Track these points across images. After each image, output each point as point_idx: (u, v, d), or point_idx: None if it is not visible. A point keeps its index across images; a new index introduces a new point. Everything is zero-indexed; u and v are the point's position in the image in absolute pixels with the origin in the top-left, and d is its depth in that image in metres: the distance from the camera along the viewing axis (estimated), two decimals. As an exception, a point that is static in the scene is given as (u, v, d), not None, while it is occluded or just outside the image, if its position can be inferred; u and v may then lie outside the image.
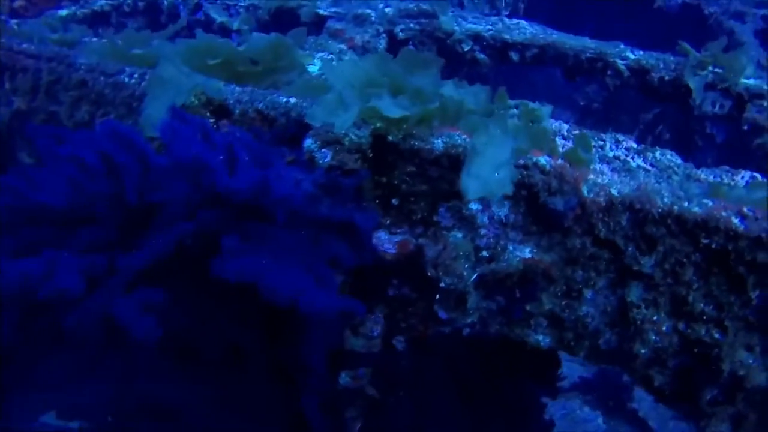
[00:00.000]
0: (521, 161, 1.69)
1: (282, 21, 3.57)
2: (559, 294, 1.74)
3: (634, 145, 2.09)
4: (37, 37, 2.70)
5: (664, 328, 1.68)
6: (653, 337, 1.69)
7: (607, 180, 1.69)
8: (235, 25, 3.53)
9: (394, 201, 1.81)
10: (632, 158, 2.02)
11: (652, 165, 1.99)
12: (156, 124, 1.81)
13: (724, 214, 1.58)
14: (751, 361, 1.63)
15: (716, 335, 1.64)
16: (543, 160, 1.70)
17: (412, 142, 1.74)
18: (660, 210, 1.62)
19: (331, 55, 2.82)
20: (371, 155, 1.76)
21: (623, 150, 2.06)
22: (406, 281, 1.84)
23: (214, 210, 1.49)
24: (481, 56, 3.36)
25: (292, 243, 1.52)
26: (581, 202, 1.66)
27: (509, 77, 3.98)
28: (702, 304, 1.64)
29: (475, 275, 1.74)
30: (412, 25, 3.41)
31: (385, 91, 1.76)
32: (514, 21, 3.55)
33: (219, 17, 3.64)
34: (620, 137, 2.12)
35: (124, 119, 2.18)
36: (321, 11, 3.47)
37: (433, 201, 1.79)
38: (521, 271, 1.72)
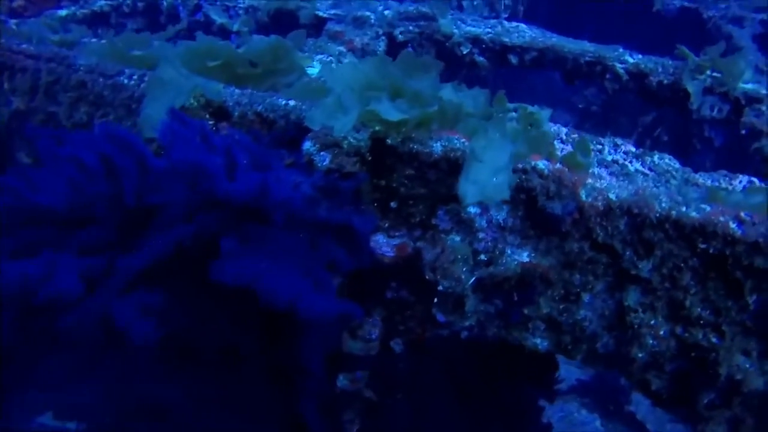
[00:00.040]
0: (520, 165, 1.70)
1: (281, 23, 3.57)
2: (556, 298, 1.74)
3: (633, 149, 2.10)
4: (37, 38, 2.70)
5: (661, 332, 1.68)
6: (650, 341, 1.69)
7: (605, 184, 1.69)
8: (235, 27, 3.53)
9: (393, 204, 1.81)
10: (630, 162, 2.03)
11: (650, 169, 2.00)
12: (155, 125, 1.81)
13: (721, 219, 1.58)
14: (748, 366, 1.64)
15: (713, 339, 1.64)
16: (541, 164, 1.70)
17: (410, 146, 1.75)
18: (658, 215, 1.62)
19: (331, 58, 2.82)
20: (370, 158, 1.77)
21: (622, 154, 2.07)
22: (404, 284, 1.84)
23: (213, 213, 1.49)
24: (480, 59, 3.36)
25: (290, 246, 1.52)
26: (579, 207, 1.67)
27: (508, 80, 3.99)
28: (699, 309, 1.64)
29: (473, 278, 1.74)
30: (411, 27, 3.42)
31: (384, 95, 1.77)
32: (514, 24, 3.56)
33: (219, 19, 3.64)
34: (619, 141, 2.12)
35: (123, 120, 2.18)
36: (320, 13, 3.48)
37: (432, 204, 1.79)
38: (519, 274, 1.72)
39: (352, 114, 1.69)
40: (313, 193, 1.61)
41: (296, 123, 1.85)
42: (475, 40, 3.37)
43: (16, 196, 1.52)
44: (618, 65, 3.19)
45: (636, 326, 1.69)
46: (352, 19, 3.38)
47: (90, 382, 1.62)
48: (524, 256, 1.73)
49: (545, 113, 1.99)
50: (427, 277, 1.77)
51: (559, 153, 1.82)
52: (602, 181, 1.71)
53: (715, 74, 3.01)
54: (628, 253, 1.67)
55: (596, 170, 1.86)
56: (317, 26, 3.44)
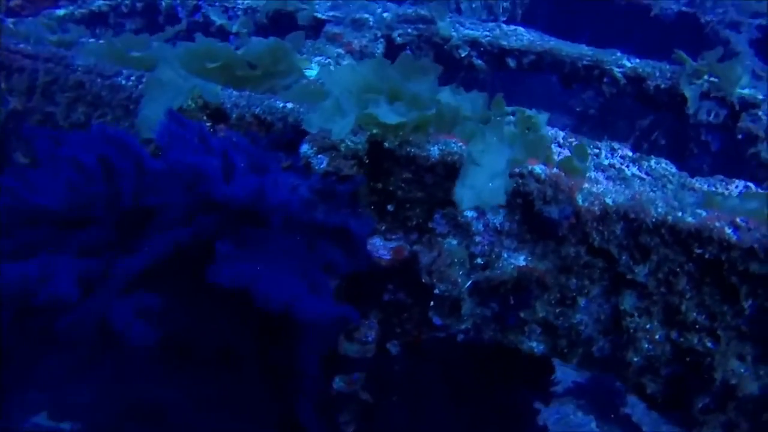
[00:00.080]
0: (517, 169, 1.70)
1: (280, 24, 3.57)
2: (553, 302, 1.74)
3: (630, 154, 2.10)
4: (34, 37, 2.69)
5: (657, 337, 1.69)
6: (646, 346, 1.69)
7: (601, 189, 1.69)
8: (234, 28, 3.53)
9: (390, 207, 1.82)
10: (627, 166, 2.03)
11: (647, 173, 2.01)
12: (152, 126, 1.81)
13: (717, 224, 1.59)
14: (743, 371, 1.64)
15: (709, 344, 1.65)
16: (538, 168, 1.70)
17: (408, 149, 1.75)
18: (654, 220, 1.63)
19: (329, 60, 2.83)
20: (367, 161, 1.77)
21: (618, 158, 2.07)
22: (400, 287, 1.85)
23: (210, 215, 1.49)
24: (478, 62, 3.37)
25: (287, 248, 1.53)
26: (576, 211, 1.67)
27: (506, 83, 4.00)
28: (695, 314, 1.65)
29: (470, 282, 1.75)
30: (409, 30, 3.42)
31: (382, 98, 1.77)
32: (512, 27, 3.56)
33: (218, 20, 3.64)
34: (616, 145, 2.13)
35: (120, 121, 2.18)
36: (319, 15, 3.47)
37: (429, 208, 1.79)
38: (515, 278, 1.73)
39: (350, 117, 1.69)
40: (311, 196, 1.61)
41: (294, 125, 1.85)
42: (474, 43, 3.38)
43: (14, 197, 1.52)
44: (616, 69, 3.20)
45: (632, 330, 1.69)
46: (351, 21, 3.38)
47: (89, 382, 1.62)
48: (521, 260, 1.73)
49: (543, 117, 1.99)
50: (423, 281, 1.77)
51: (556, 157, 1.83)
52: (599, 185, 1.71)
53: (712, 79, 3.01)
54: (624, 257, 1.67)
55: (593, 174, 1.87)
56: (316, 28, 3.44)
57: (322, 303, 1.42)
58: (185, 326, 1.60)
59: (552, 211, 1.67)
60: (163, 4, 3.86)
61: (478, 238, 1.74)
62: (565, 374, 3.21)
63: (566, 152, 2.01)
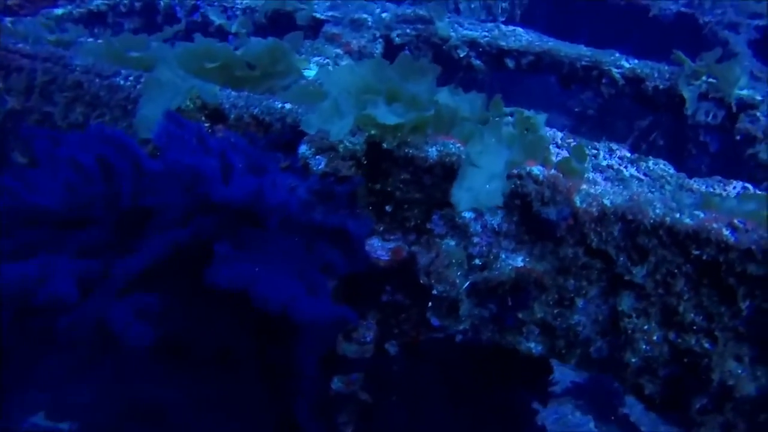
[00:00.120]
0: (515, 171, 1.70)
1: (279, 24, 3.57)
2: (551, 302, 1.75)
3: (628, 154, 2.10)
4: (33, 37, 2.69)
5: (654, 338, 1.69)
6: (644, 346, 1.70)
7: (599, 190, 1.70)
8: (233, 28, 3.53)
9: (388, 208, 1.82)
10: (626, 167, 2.03)
11: (645, 174, 2.01)
12: (150, 126, 1.81)
13: (715, 225, 1.59)
14: (740, 371, 1.64)
15: (706, 345, 1.65)
16: (536, 170, 1.70)
17: (406, 150, 1.75)
18: (652, 221, 1.63)
19: (327, 60, 2.83)
20: (365, 162, 1.77)
21: (617, 159, 2.08)
22: (399, 288, 1.85)
23: (209, 216, 1.49)
24: (477, 62, 3.37)
25: (285, 249, 1.53)
26: (574, 212, 1.67)
27: (505, 83, 4.00)
28: (692, 315, 1.65)
29: (468, 283, 1.75)
30: (408, 30, 3.42)
31: (380, 98, 1.77)
32: (510, 28, 3.56)
33: (217, 20, 3.64)
34: (614, 146, 2.13)
35: (118, 121, 2.18)
36: (318, 15, 3.47)
37: (427, 209, 1.79)
38: (513, 279, 1.73)
39: (349, 119, 1.69)
40: (309, 197, 1.61)
41: (292, 126, 1.85)
42: (472, 44, 3.38)
43: (13, 197, 1.52)
44: (614, 70, 3.20)
45: (629, 331, 1.70)
46: (350, 22, 3.38)
47: (88, 382, 1.62)
48: (519, 261, 1.73)
49: (541, 118, 1.99)
50: (421, 281, 1.77)
51: (554, 158, 1.83)
52: (597, 186, 1.72)
53: (710, 80, 3.02)
54: (622, 258, 1.67)
55: (591, 175, 1.87)
56: (314, 28, 3.44)
57: (320, 304, 1.42)
58: (184, 327, 1.60)
59: (550, 213, 1.67)
60: (162, 3, 3.86)
61: (476, 239, 1.74)
62: (564, 374, 3.21)
63: (564, 153, 2.01)
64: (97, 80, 2.25)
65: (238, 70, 2.26)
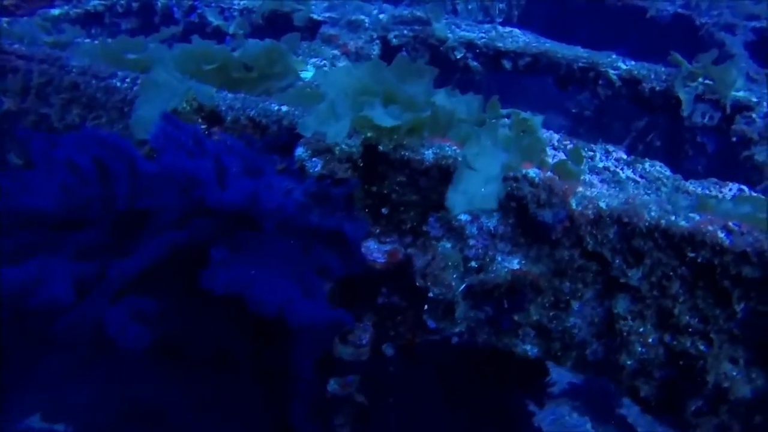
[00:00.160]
0: (510, 173, 1.70)
1: (276, 25, 3.57)
2: (546, 305, 1.75)
3: (624, 156, 2.11)
4: (29, 38, 2.68)
5: (650, 340, 1.69)
6: (639, 349, 1.70)
7: (595, 192, 1.70)
8: (231, 29, 3.53)
9: (384, 210, 1.82)
10: (622, 169, 2.04)
11: (641, 176, 2.01)
12: (146, 127, 1.81)
13: (710, 228, 1.59)
14: (735, 374, 1.65)
15: (701, 347, 1.66)
16: (532, 172, 1.71)
17: (402, 153, 1.75)
18: (647, 224, 1.63)
19: (325, 61, 2.83)
20: (362, 164, 1.77)
21: (613, 161, 2.08)
22: (395, 290, 1.85)
23: (205, 219, 1.49)
24: (474, 64, 3.37)
25: (281, 252, 1.53)
26: (570, 215, 1.67)
27: (502, 84, 4.01)
28: (688, 317, 1.65)
29: (464, 285, 1.75)
30: (405, 31, 3.42)
31: (377, 100, 1.77)
32: (507, 29, 3.56)
33: (215, 20, 3.63)
34: (610, 148, 2.14)
35: (115, 123, 2.18)
36: (315, 16, 3.47)
37: (423, 211, 1.79)
38: (509, 281, 1.73)
39: (345, 121, 1.70)
40: (305, 200, 1.61)
41: (289, 128, 1.85)
42: (469, 45, 3.38)
43: (9, 198, 1.52)
44: (611, 71, 3.21)
45: (625, 334, 1.70)
46: (347, 23, 3.38)
47: (86, 383, 1.62)
48: (514, 264, 1.74)
49: (538, 119, 2.00)
50: (417, 284, 1.77)
51: (550, 160, 1.83)
52: (593, 189, 1.72)
53: (707, 82, 3.02)
54: (617, 261, 1.68)
55: (587, 177, 1.87)
56: (312, 29, 3.44)
57: (316, 306, 1.42)
58: (181, 328, 1.60)
59: (546, 215, 1.67)
60: (159, 4, 3.86)
61: (472, 242, 1.75)
62: (561, 375, 3.21)
63: (561, 155, 2.02)
64: (93, 82, 2.24)
65: (235, 71, 2.26)
